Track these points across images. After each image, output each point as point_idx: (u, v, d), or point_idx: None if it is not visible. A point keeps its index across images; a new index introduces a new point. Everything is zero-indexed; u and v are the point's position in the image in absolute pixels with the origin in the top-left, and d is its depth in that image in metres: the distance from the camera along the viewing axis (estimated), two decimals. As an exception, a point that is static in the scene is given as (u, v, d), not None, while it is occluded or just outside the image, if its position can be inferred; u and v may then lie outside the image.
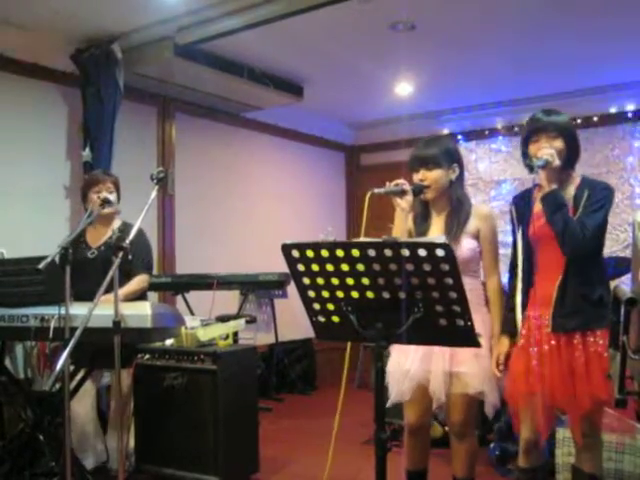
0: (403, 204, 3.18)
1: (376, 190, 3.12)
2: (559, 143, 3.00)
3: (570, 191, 3.04)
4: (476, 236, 3.30)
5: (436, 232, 3.32)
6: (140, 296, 4.24)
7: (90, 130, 5.47)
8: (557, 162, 2.92)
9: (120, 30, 5.37)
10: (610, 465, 3.91)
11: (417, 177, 3.29)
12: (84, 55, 5.50)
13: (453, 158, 3.33)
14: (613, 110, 7.10)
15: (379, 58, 6.03)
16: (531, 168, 3.00)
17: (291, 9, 4.83)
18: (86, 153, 5.44)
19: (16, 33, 5.21)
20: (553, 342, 2.99)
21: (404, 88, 6.94)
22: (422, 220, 3.38)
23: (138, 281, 4.20)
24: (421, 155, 3.31)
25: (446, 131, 8.04)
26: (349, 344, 3.08)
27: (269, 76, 6.33)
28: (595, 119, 7.12)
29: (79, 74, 5.55)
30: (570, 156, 3.04)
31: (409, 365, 3.26)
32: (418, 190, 3.24)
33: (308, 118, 8.06)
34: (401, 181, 3.20)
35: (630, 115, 7.01)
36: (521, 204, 3.20)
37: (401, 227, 3.31)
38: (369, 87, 6.94)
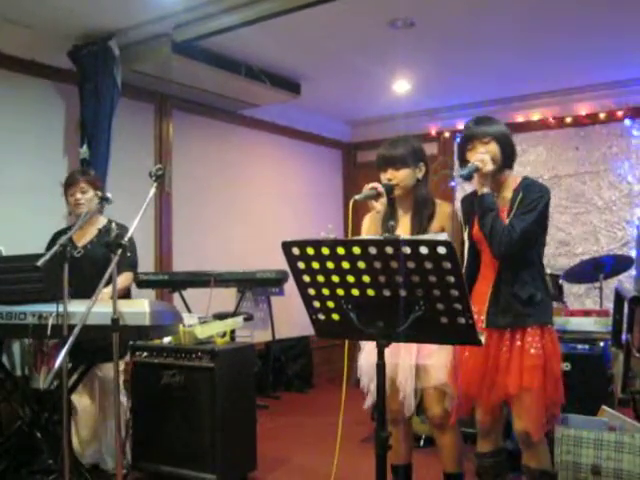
0: (379, 206, 3.29)
1: (356, 197, 3.21)
2: (493, 146, 3.10)
3: (508, 193, 3.14)
4: (434, 234, 3.34)
5: (403, 230, 3.41)
6: (125, 294, 4.24)
7: (87, 127, 5.45)
8: (489, 167, 3.01)
9: (117, 27, 5.34)
10: (609, 464, 3.90)
11: (385, 176, 3.39)
12: (81, 52, 5.47)
13: (419, 157, 3.44)
14: (611, 107, 7.09)
15: (377, 55, 6.01)
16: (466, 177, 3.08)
17: (289, 6, 4.81)
18: (83, 150, 5.42)
19: (13, 30, 5.18)
20: (485, 337, 3.07)
21: (402, 85, 6.94)
22: (389, 218, 3.45)
23: (123, 279, 4.18)
24: (388, 155, 3.40)
25: (444, 128, 8.05)
26: (347, 342, 3.08)
27: (266, 73, 6.31)
28: (593, 117, 7.12)
29: (76, 71, 5.52)
30: (505, 158, 3.13)
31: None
32: (389, 190, 3.33)
33: (305, 115, 8.06)
34: (375, 184, 3.30)
35: (628, 113, 7.01)
36: (466, 206, 3.30)
37: (374, 228, 3.41)
38: (367, 84, 6.94)
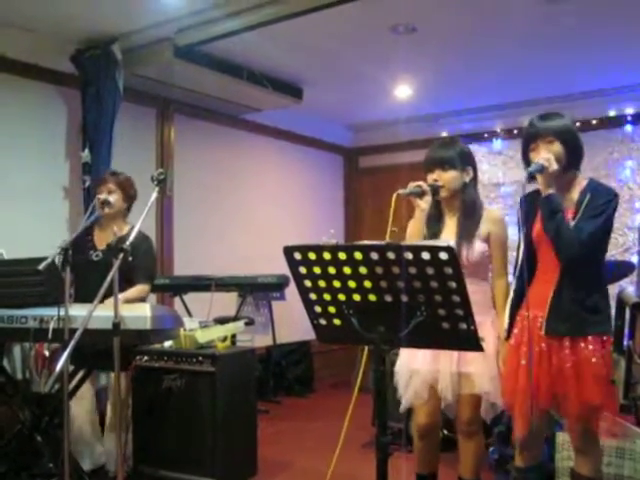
0: (423, 204, 3.25)
1: (400, 191, 3.17)
2: (557, 147, 2.98)
3: (574, 194, 3.03)
4: (487, 240, 3.34)
5: (449, 234, 3.36)
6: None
7: (89, 131, 5.47)
8: (554, 167, 2.90)
9: (120, 31, 5.35)
10: (610, 470, 3.90)
11: (432, 177, 3.34)
12: (84, 56, 5.49)
13: (467, 161, 3.40)
14: (612, 113, 7.10)
15: (379, 60, 6.02)
16: (531, 177, 2.99)
17: (291, 11, 4.82)
18: (85, 154, 5.43)
19: (16, 34, 5.20)
20: (544, 345, 2.99)
21: (404, 90, 6.95)
22: (435, 222, 3.42)
23: (138, 290, 4.17)
24: (437, 156, 3.36)
25: (445, 134, 8.04)
26: (366, 348, 3.09)
27: (269, 78, 6.32)
28: (594, 122, 7.12)
29: (79, 75, 5.54)
30: (571, 158, 3.01)
31: (417, 366, 3.29)
32: (434, 190, 3.29)
33: (307, 120, 8.06)
34: (421, 182, 3.26)
35: (629, 118, 7.01)
36: (527, 205, 3.17)
37: (418, 228, 3.33)
38: (369, 89, 6.94)
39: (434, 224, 3.40)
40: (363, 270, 2.23)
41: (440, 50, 5.82)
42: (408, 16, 5.09)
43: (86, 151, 5.43)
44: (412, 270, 2.16)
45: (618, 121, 7.07)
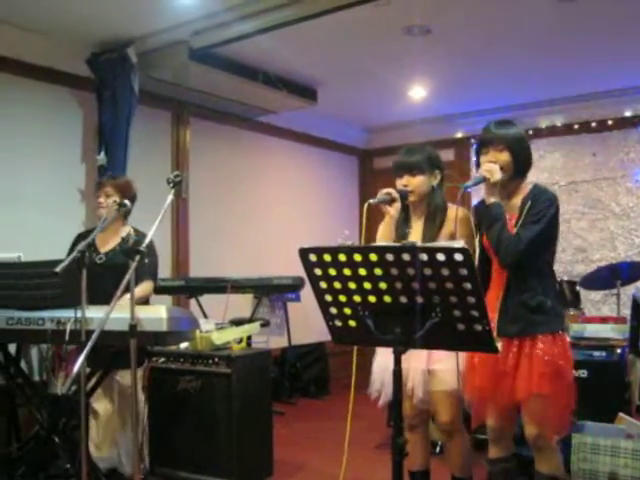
0: (392, 211, 3.37)
1: (371, 200, 3.30)
2: (505, 156, 3.08)
3: (517, 200, 3.13)
4: (452, 238, 3.36)
5: (415, 236, 3.45)
6: (143, 303, 4.24)
7: (105, 134, 5.50)
8: (497, 177, 3.01)
9: (135, 34, 5.38)
10: (627, 472, 3.88)
11: (401, 182, 3.45)
12: (99, 59, 5.53)
13: (435, 164, 3.49)
14: (628, 113, 7.07)
15: (393, 62, 6.02)
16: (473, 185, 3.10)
17: (306, 13, 4.83)
18: (101, 157, 5.46)
19: (32, 38, 5.24)
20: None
21: (418, 92, 6.95)
22: (403, 224, 3.50)
23: (143, 288, 4.18)
24: (405, 161, 3.46)
25: (459, 135, 8.04)
26: (355, 349, 3.15)
27: (283, 80, 6.34)
28: (610, 123, 7.09)
29: (94, 78, 5.58)
30: (518, 167, 3.11)
31: (390, 364, 3.31)
32: (404, 195, 3.39)
33: (322, 122, 8.07)
34: (390, 190, 3.38)
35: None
36: (478, 213, 3.28)
37: (387, 233, 3.43)
38: (383, 91, 6.95)
39: (402, 227, 3.48)
40: (378, 271, 2.24)
41: (454, 51, 5.81)
42: (422, 18, 5.08)
43: (102, 154, 5.46)
44: (427, 271, 2.17)
45: (634, 121, 7.04)
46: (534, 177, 7.55)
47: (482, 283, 3.11)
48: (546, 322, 3.04)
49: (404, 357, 3.20)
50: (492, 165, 3.03)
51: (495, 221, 3.01)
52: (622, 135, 7.11)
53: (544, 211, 3.01)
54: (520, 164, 3.12)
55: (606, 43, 5.65)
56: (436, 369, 3.30)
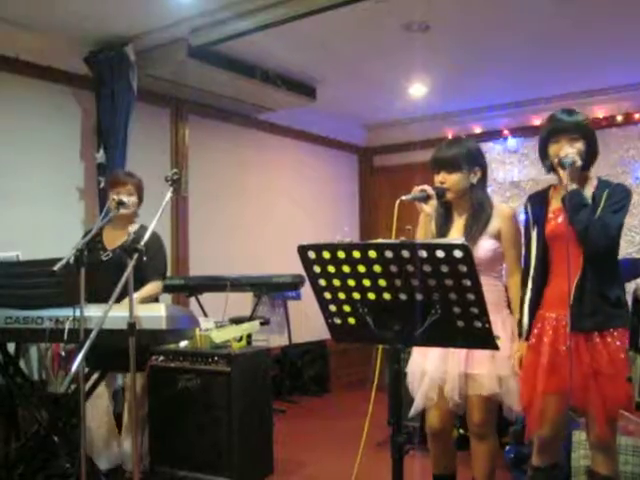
0: (427, 209, 3.22)
1: (404, 197, 3.14)
2: (580, 144, 2.98)
3: (587, 192, 3.01)
4: (497, 236, 3.29)
5: (456, 234, 3.32)
6: (153, 301, 4.23)
7: (104, 132, 5.49)
8: (579, 162, 2.91)
9: (134, 32, 5.36)
10: (627, 468, 3.87)
11: (438, 179, 3.31)
12: (98, 57, 5.51)
13: (475, 161, 3.33)
14: (628, 110, 7.04)
15: (393, 59, 6.01)
16: (549, 168, 3.01)
17: (304, 10, 4.81)
18: (100, 155, 5.45)
19: (30, 36, 5.22)
20: (569, 342, 2.94)
21: (418, 89, 6.93)
22: (443, 222, 3.39)
23: (152, 287, 4.17)
24: (442, 157, 3.31)
25: (459, 132, 8.01)
26: (380, 347, 3.08)
27: (282, 78, 6.32)
28: (610, 119, 7.07)
29: (93, 76, 5.56)
30: (589, 158, 3.02)
31: (427, 366, 3.27)
32: (440, 193, 3.25)
33: (321, 119, 8.05)
34: (425, 186, 3.22)
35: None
36: (536, 203, 3.18)
37: (425, 231, 3.31)
38: (382, 88, 6.93)
39: (442, 225, 3.37)
40: (377, 268, 2.22)
41: (454, 48, 5.80)
42: (421, 14, 5.07)
43: (101, 152, 5.45)
44: (427, 268, 2.15)
45: (634, 118, 7.02)
46: (533, 175, 7.57)
47: (543, 277, 3.06)
48: (622, 316, 2.95)
49: (441, 358, 3.21)
50: (574, 150, 2.93)
51: (582, 206, 2.88)
52: (622, 132, 7.08)
53: (624, 200, 2.94)
54: (591, 154, 3.03)
55: (606, 40, 5.64)
56: (475, 373, 3.18)
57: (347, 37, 5.51)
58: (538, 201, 3.18)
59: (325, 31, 5.34)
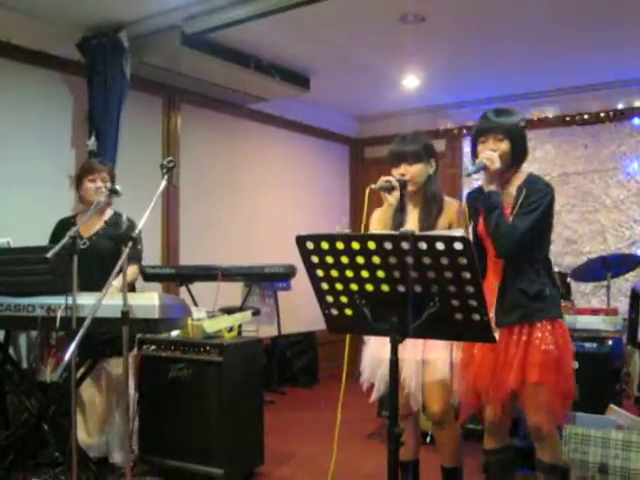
0: (391, 199, 3.33)
1: (373, 185, 3.28)
2: (505, 145, 3.09)
3: (512, 191, 3.13)
4: (448, 229, 3.37)
5: (411, 224, 3.42)
6: (130, 288, 4.21)
7: (95, 119, 5.43)
8: (497, 165, 3.01)
9: (127, 18, 5.32)
10: (617, 463, 3.89)
11: (398, 172, 3.41)
12: (91, 43, 5.45)
13: (431, 153, 3.49)
14: (620, 106, 7.07)
15: (387, 50, 6.00)
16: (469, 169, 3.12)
17: (300, -1, 4.80)
18: (91, 142, 5.40)
19: (22, 20, 5.16)
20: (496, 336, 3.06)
21: (411, 81, 6.93)
22: (398, 213, 3.46)
23: (129, 272, 4.15)
24: (402, 150, 3.43)
25: (451, 125, 8.01)
26: (348, 337, 3.17)
27: (276, 67, 6.29)
28: (602, 115, 7.09)
29: (85, 62, 5.50)
30: (516, 156, 3.13)
31: (384, 355, 3.31)
32: (402, 185, 3.36)
33: (314, 110, 8.04)
34: (390, 177, 3.35)
35: (638, 111, 6.98)
36: (473, 200, 3.29)
37: (383, 219, 3.40)
38: (376, 80, 6.92)
39: (397, 216, 3.44)
40: (376, 260, 2.21)
41: (449, 40, 5.79)
42: (417, 6, 5.06)
43: (92, 139, 5.40)
44: (426, 260, 2.14)
45: (626, 114, 7.05)
46: (524, 168, 7.58)
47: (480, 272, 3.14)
48: (545, 309, 3.04)
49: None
50: (492, 153, 3.03)
51: (493, 209, 3.01)
52: (614, 127, 7.11)
53: (540, 200, 3.01)
54: (518, 154, 3.13)
55: (600, 35, 5.64)
56: (429, 358, 3.29)
57: (342, 27, 5.48)
58: (474, 199, 3.28)
59: (321, 21, 5.32)
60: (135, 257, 4.25)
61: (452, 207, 3.44)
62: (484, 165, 3.00)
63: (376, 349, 3.39)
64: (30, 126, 5.33)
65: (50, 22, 5.32)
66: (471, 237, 3.21)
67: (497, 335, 3.00)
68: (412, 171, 3.38)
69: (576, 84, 6.93)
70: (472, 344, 3.16)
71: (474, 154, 3.20)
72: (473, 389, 3.18)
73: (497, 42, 5.81)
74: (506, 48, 5.94)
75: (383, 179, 3.33)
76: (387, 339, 3.17)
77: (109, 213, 4.41)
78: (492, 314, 3.08)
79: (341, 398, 3.07)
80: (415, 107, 7.82)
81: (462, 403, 3.32)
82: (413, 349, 3.28)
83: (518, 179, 3.15)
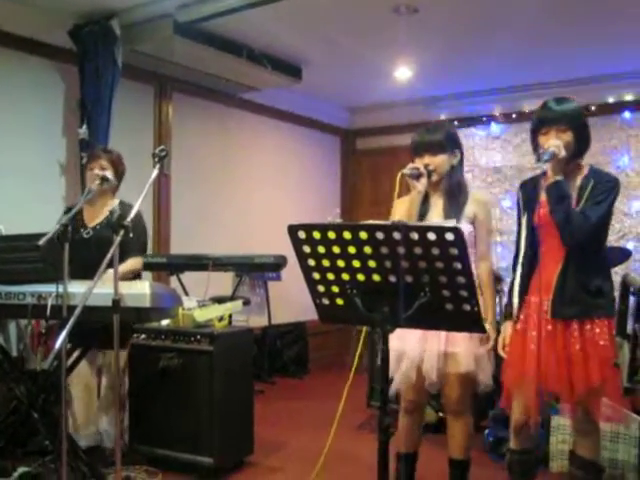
0: (420, 186, 3.31)
1: (404, 170, 3.25)
2: (568, 136, 3.01)
3: (577, 181, 3.07)
4: (472, 221, 3.39)
5: (435, 214, 3.41)
6: (133, 278, 4.20)
7: (87, 107, 5.41)
8: (563, 154, 2.94)
9: (119, 6, 5.29)
10: (605, 454, 3.93)
11: (421, 162, 3.37)
12: (82, 31, 5.42)
13: (455, 144, 3.46)
14: (611, 100, 7.09)
15: (380, 41, 5.99)
16: (539, 158, 3.02)
17: (293, -11, 4.78)
18: (83, 130, 5.38)
19: (14, 7, 5.12)
20: (550, 327, 3.03)
21: (403, 73, 6.92)
22: (421, 203, 3.44)
23: (132, 262, 4.14)
24: (426, 140, 3.40)
25: (443, 117, 8.01)
26: (364, 329, 3.18)
27: (268, 57, 6.27)
28: (593, 108, 7.10)
29: (77, 50, 5.47)
30: (578, 147, 3.06)
31: (406, 348, 3.31)
32: (429, 173, 3.33)
33: (306, 101, 8.03)
34: (418, 164, 3.32)
35: (628, 105, 7.00)
36: (528, 190, 3.23)
37: (408, 209, 3.36)
38: (368, 71, 6.91)
39: (421, 206, 3.43)
40: (368, 250, 2.22)
41: (441, 32, 5.79)
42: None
43: (84, 127, 5.37)
44: (417, 250, 2.15)
45: (617, 108, 7.06)
46: (515, 161, 7.59)
47: (531, 263, 3.11)
48: (604, 305, 3.01)
49: (420, 338, 3.28)
50: (558, 142, 2.96)
51: (563, 198, 2.95)
52: (604, 121, 7.11)
53: (609, 192, 2.99)
54: (582, 143, 3.07)
55: (591, 29, 5.65)
56: (454, 352, 3.27)
57: (335, 18, 5.47)
58: (530, 188, 3.22)
59: (313, 11, 5.31)
60: (140, 248, 4.24)
61: (477, 197, 3.45)
62: (553, 153, 2.92)
63: (397, 343, 3.32)
64: (21, 114, 5.31)
65: (42, 10, 5.29)
66: (525, 228, 3.19)
67: (550, 326, 3.00)
68: (436, 162, 3.37)
69: (567, 78, 6.93)
70: (521, 339, 3.11)
71: (535, 146, 3.13)
72: (543, 386, 3.06)
73: (489, 34, 5.81)
74: (498, 40, 5.92)
75: (411, 166, 3.31)
76: (404, 332, 3.20)
77: (114, 203, 4.35)
78: (547, 307, 3.04)
79: (346, 388, 3.11)
80: (407, 99, 7.81)
81: (510, 400, 3.23)
82: (436, 341, 3.28)
83: (581, 170, 3.10)
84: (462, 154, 3.50)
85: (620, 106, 7.04)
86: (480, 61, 6.57)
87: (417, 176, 3.29)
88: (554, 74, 6.87)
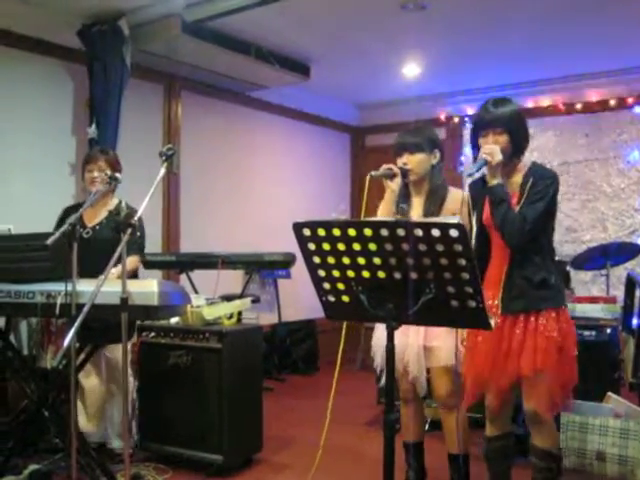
0: (393, 186, 3.47)
1: (373, 173, 3.39)
2: (504, 138, 3.09)
3: (517, 179, 3.15)
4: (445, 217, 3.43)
5: (415, 212, 3.55)
6: (131, 277, 4.21)
7: (96, 107, 5.43)
8: (498, 158, 3.02)
9: (127, 6, 5.31)
10: (614, 450, 3.92)
11: (401, 161, 3.53)
12: (91, 31, 5.44)
13: (434, 145, 3.58)
14: (621, 94, 7.05)
15: (388, 38, 5.98)
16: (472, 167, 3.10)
17: (301, -13, 4.79)
18: (92, 130, 5.40)
19: (22, 8, 5.16)
20: (499, 322, 3.10)
21: (412, 69, 6.91)
22: (402, 201, 3.57)
23: (130, 261, 4.15)
24: (405, 141, 3.56)
25: (451, 113, 8.00)
26: (345, 325, 3.18)
27: (276, 55, 6.28)
28: (603, 103, 7.08)
29: (86, 50, 5.50)
30: (517, 146, 3.13)
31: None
32: (404, 173, 3.48)
33: (314, 98, 8.03)
34: (391, 165, 3.47)
35: (639, 99, 6.97)
36: (475, 191, 3.29)
37: (388, 208, 3.52)
38: (377, 68, 6.91)
39: (402, 204, 3.54)
40: (372, 247, 2.22)
41: (449, 28, 5.78)
42: (418, -7, 5.05)
43: (93, 127, 5.40)
44: (422, 247, 2.15)
45: (627, 102, 7.03)
46: (525, 157, 7.56)
47: (481, 261, 3.10)
48: (550, 298, 3.07)
49: (401, 332, 3.29)
50: (492, 147, 3.03)
51: (500, 202, 3.03)
52: (615, 116, 7.10)
53: (546, 189, 3.04)
54: (518, 143, 3.13)
55: (601, 24, 5.62)
56: (433, 346, 3.40)
57: (343, 15, 5.47)
58: (476, 188, 3.28)
59: (321, 9, 5.31)
60: (137, 247, 4.26)
61: (456, 196, 3.50)
62: (485, 161, 3.01)
63: (382, 337, 3.41)
64: (31, 114, 5.34)
65: (51, 10, 5.31)
66: (475, 226, 3.23)
67: (495, 322, 3.06)
68: (414, 160, 3.50)
69: (577, 72, 6.92)
70: (476, 332, 3.18)
71: (475, 148, 3.20)
72: (476, 377, 3.21)
73: (498, 30, 5.80)
74: (507, 36, 5.92)
75: (384, 167, 3.44)
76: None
77: (114, 202, 4.39)
78: (497, 302, 3.13)
79: (334, 385, 3.20)
80: (416, 95, 7.81)
81: (465, 390, 3.33)
82: (416, 335, 3.41)
83: (522, 167, 3.16)
84: (443, 154, 3.62)
85: (631, 101, 7.00)
86: (488, 57, 6.56)
87: (391, 176, 3.44)
88: (563, 69, 6.87)
